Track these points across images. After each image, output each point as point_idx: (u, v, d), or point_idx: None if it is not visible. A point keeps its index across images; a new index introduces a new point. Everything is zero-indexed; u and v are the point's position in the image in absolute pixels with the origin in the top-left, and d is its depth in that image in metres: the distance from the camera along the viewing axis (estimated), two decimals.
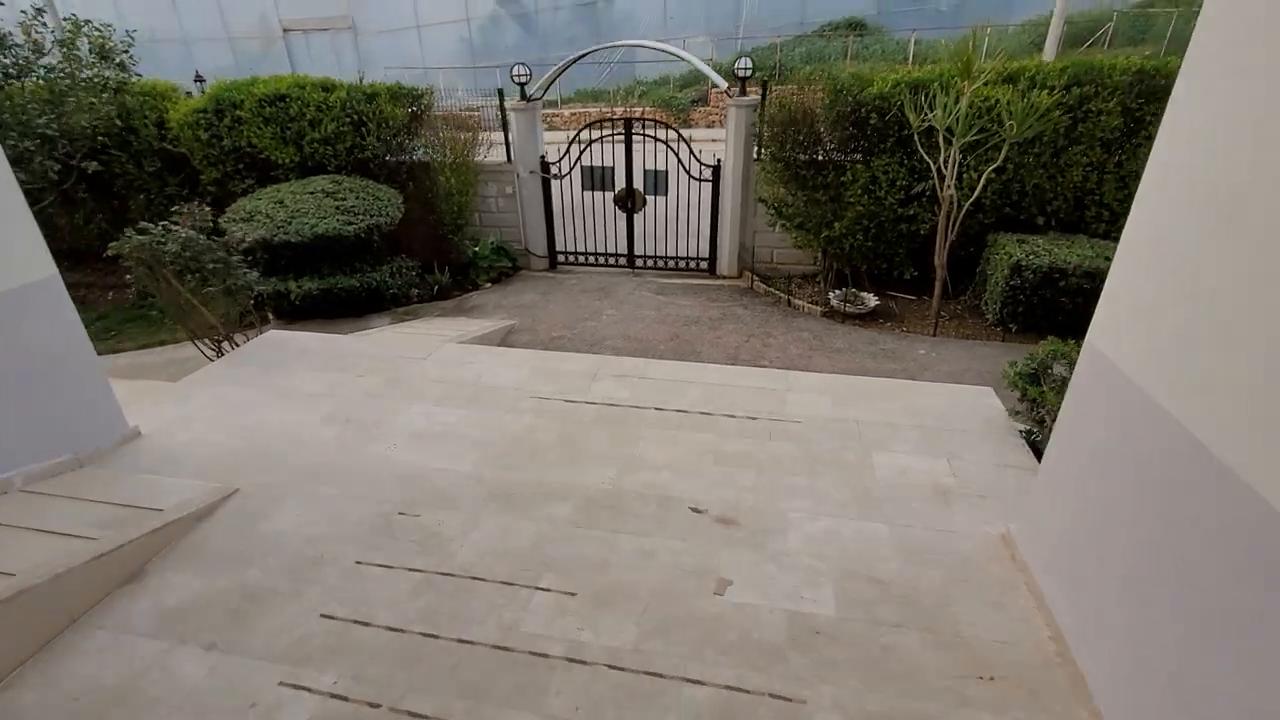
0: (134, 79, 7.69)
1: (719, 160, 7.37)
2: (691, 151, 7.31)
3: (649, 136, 7.32)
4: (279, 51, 28.71)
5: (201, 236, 4.92)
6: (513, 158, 7.73)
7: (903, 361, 5.57)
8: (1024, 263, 5.59)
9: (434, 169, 7.38)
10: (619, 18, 26.54)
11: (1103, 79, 5.70)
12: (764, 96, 6.88)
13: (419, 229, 7.86)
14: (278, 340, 5.01)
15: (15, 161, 6.85)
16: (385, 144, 7.34)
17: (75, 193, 8.32)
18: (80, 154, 7.49)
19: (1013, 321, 5.91)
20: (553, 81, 7.62)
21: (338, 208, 6.53)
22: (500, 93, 7.49)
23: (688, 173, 7.41)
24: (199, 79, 10.25)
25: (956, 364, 5.50)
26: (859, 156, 6.38)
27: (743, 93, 6.93)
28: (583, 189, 7.80)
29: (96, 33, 7.31)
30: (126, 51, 7.55)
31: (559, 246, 8.24)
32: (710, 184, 7.45)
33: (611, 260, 8.15)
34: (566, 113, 23.58)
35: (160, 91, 7.89)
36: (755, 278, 7.46)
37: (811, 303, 6.79)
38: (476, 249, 7.67)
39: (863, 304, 6.47)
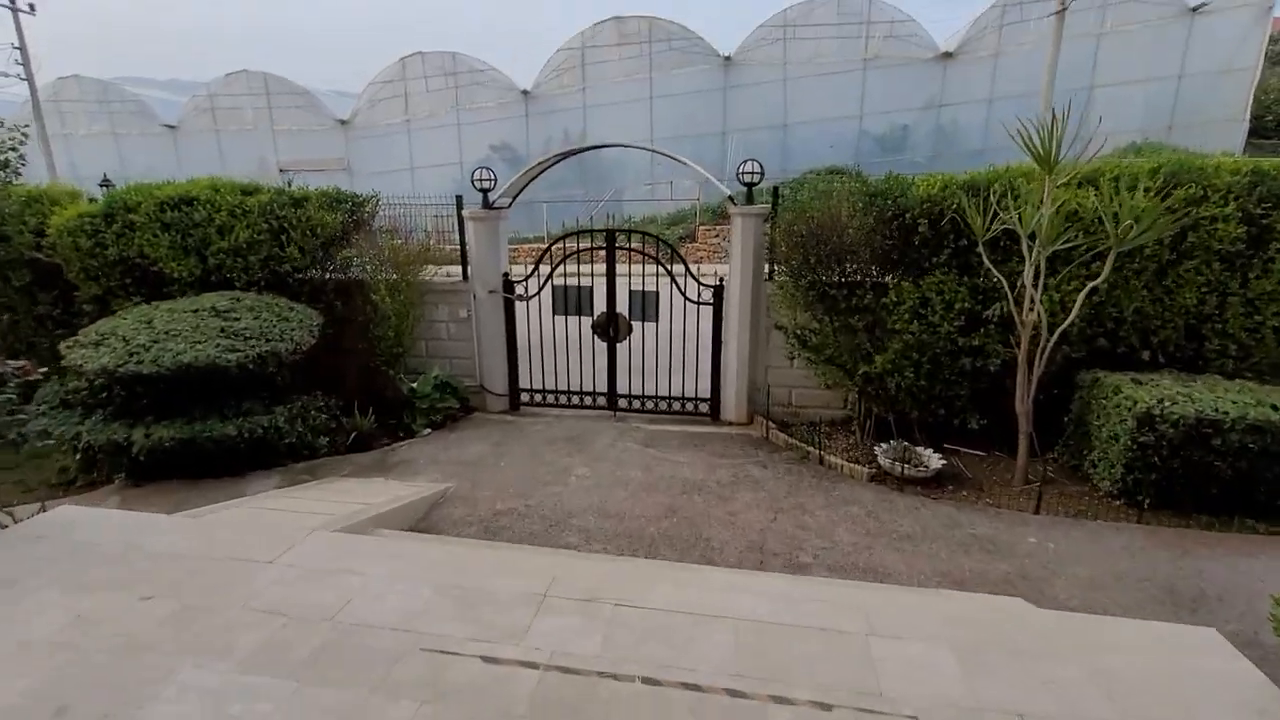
0: (13, 182, 6.41)
1: (722, 280, 6.01)
2: (688, 269, 5.96)
3: (635, 251, 6.01)
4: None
5: None
6: (469, 275, 6.34)
7: (1010, 558, 3.75)
8: (1158, 412, 3.99)
9: (368, 286, 5.92)
10: (609, 165, 27.37)
11: (1209, 179, 4.50)
12: (775, 204, 5.66)
13: (348, 359, 6.25)
14: (53, 524, 3.17)
15: None
16: (309, 256, 5.93)
17: None
18: None
19: (1142, 492, 4.20)
20: (523, 188, 6.45)
21: (223, 330, 4.92)
22: (458, 200, 6.26)
23: (683, 294, 6.02)
24: (105, 183, 9.12)
25: (1090, 563, 3.69)
26: (904, 273, 5.01)
27: (750, 200, 5.72)
28: (554, 313, 6.34)
29: None
30: (14, 149, 6.34)
31: (523, 383, 6.62)
32: (711, 308, 6.04)
33: (588, 401, 6.51)
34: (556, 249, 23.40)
35: (51, 196, 6.60)
36: (771, 425, 5.80)
37: (852, 460, 5.07)
38: (415, 385, 6.00)
39: (924, 465, 4.76)
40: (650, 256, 5.97)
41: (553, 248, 6.18)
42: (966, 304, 4.84)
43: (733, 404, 6.12)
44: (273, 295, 5.82)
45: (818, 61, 24.37)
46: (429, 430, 5.99)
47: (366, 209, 6.39)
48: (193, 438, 4.64)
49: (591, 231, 6.10)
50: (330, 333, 6.11)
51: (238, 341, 4.86)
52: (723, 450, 5.48)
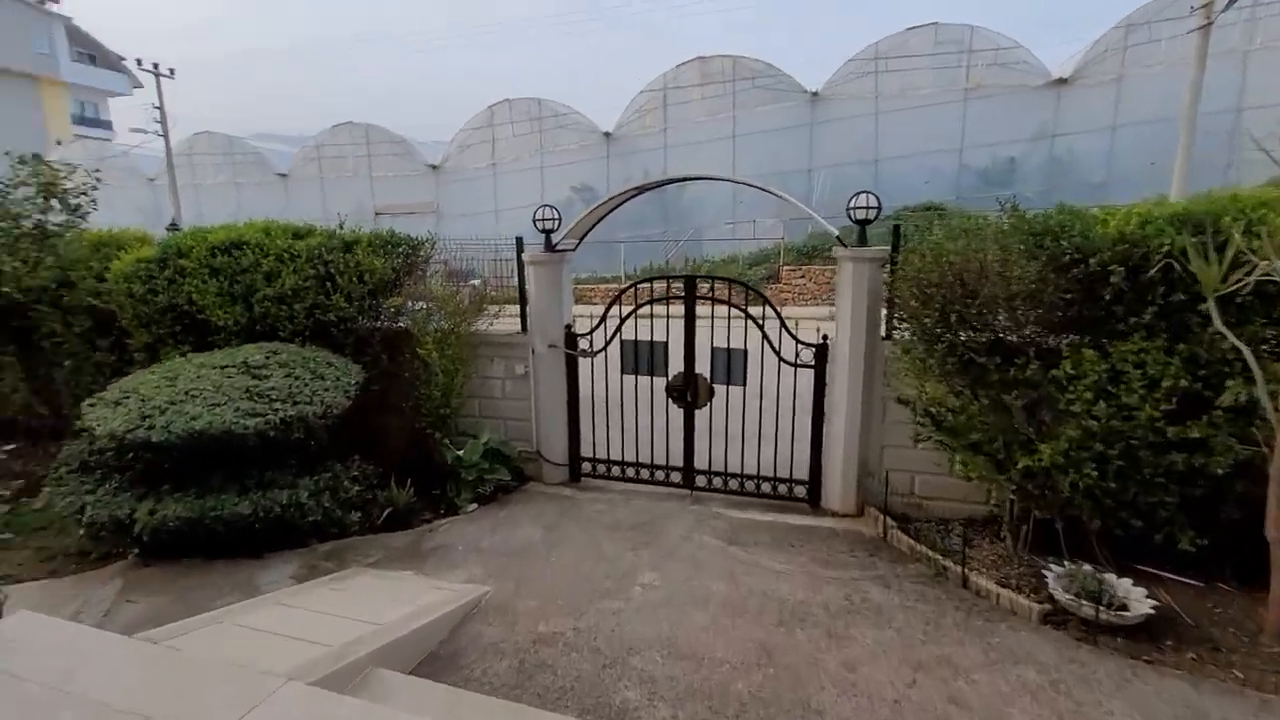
0: (81, 225, 6.32)
1: (825, 338, 4.92)
2: (783, 324, 4.92)
3: (720, 301, 5.04)
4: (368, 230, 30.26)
5: None
6: (528, 326, 5.57)
7: None
8: None
9: (416, 339, 5.26)
10: (689, 203, 26.86)
11: None
12: (896, 246, 4.55)
13: (392, 419, 5.60)
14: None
15: None
16: (356, 304, 5.36)
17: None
18: None
19: None
20: (591, 228, 5.66)
21: (249, 391, 4.33)
22: (518, 241, 5.54)
23: (777, 354, 4.97)
24: (172, 226, 9.16)
25: None
26: (1085, 337, 3.75)
27: (863, 241, 4.64)
28: (623, 373, 5.44)
29: (52, 172, 6.06)
30: (85, 194, 6.26)
31: (584, 451, 5.72)
32: (813, 371, 4.94)
33: (659, 476, 5.51)
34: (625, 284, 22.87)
35: (119, 241, 6.47)
36: (889, 521, 4.57)
37: (1010, 586, 3.77)
38: (461, 453, 5.22)
39: (1123, 606, 3.40)
40: (738, 308, 4.98)
41: (623, 296, 5.31)
42: (1180, 381, 3.50)
43: (838, 490, 4.94)
44: (315, 347, 5.26)
45: (912, 93, 22.98)
46: (475, 506, 5.17)
47: (421, 253, 5.81)
48: (201, 516, 4.01)
49: (668, 277, 5.21)
50: (375, 389, 5.48)
51: (260, 404, 4.25)
52: (828, 554, 4.30)
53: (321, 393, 4.56)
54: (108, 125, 44.15)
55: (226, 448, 4.15)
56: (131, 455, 4.48)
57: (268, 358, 4.79)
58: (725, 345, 5.09)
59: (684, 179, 5.97)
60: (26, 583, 4.23)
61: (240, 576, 4.12)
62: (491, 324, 5.75)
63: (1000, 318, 3.84)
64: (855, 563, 4.18)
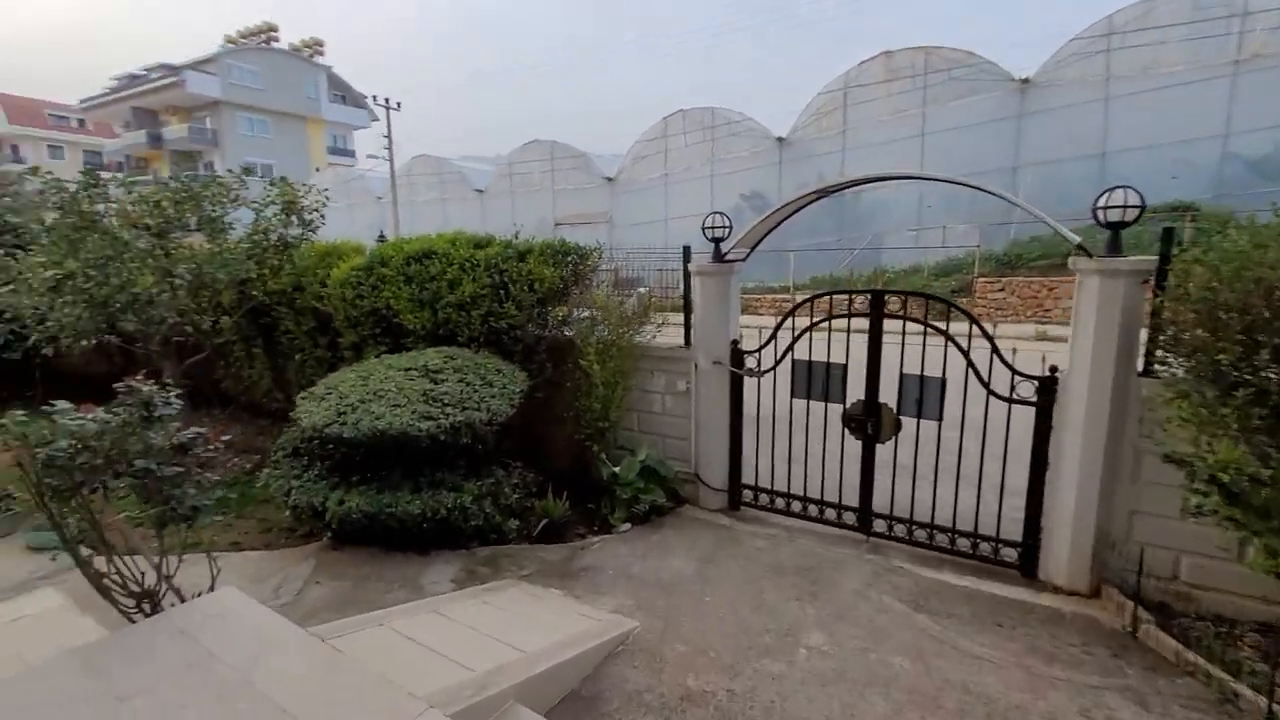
0: (312, 238, 7.24)
1: (1054, 370, 3.97)
2: (995, 350, 4.06)
3: (913, 320, 4.31)
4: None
5: (142, 426, 3.03)
6: (692, 340, 5.27)
7: None
8: None
9: (578, 349, 5.21)
10: (867, 208, 25.04)
11: None
12: (1167, 256, 3.50)
13: (553, 428, 5.63)
14: (202, 616, 2.79)
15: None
16: (526, 312, 5.46)
17: (250, 347, 7.98)
18: (243, 308, 7.05)
19: None
20: (765, 236, 5.21)
21: (426, 394, 4.54)
22: (685, 251, 5.27)
23: (984, 385, 4.12)
24: (380, 238, 10.20)
25: None
26: None
27: (1115, 250, 3.65)
28: (793, 396, 4.91)
29: (293, 192, 7.04)
30: (316, 210, 7.18)
31: (746, 479, 5.27)
32: (1036, 409, 4.01)
33: (830, 515, 4.88)
34: (799, 297, 21.80)
35: (340, 251, 7.33)
36: (1139, 611, 3.52)
37: None
38: (617, 469, 5.06)
39: None
40: (936, 330, 4.21)
41: (796, 310, 4.79)
42: None
43: (1064, 560, 3.96)
44: (487, 353, 5.45)
45: (1156, 72, 19.21)
46: (628, 525, 4.97)
47: (589, 262, 5.79)
48: (379, 511, 4.25)
49: (850, 292, 4.58)
50: (539, 397, 5.55)
51: (434, 408, 4.42)
52: (1051, 644, 3.41)
53: (489, 399, 4.65)
54: (351, 154, 52.44)
55: (404, 447, 4.37)
56: (330, 446, 4.93)
57: (445, 362, 5.02)
58: (917, 371, 4.34)
59: (871, 179, 5.16)
60: (245, 551, 4.82)
61: (409, 572, 4.30)
62: (654, 336, 5.54)
63: None
64: (1092, 663, 3.25)
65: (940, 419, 4.33)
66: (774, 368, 4.94)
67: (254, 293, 6.70)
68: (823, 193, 4.76)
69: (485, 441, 4.90)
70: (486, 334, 5.64)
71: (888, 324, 4.46)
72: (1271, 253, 2.96)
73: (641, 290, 6.09)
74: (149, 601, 3.17)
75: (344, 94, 52.94)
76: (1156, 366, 3.57)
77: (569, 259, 5.72)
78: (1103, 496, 3.78)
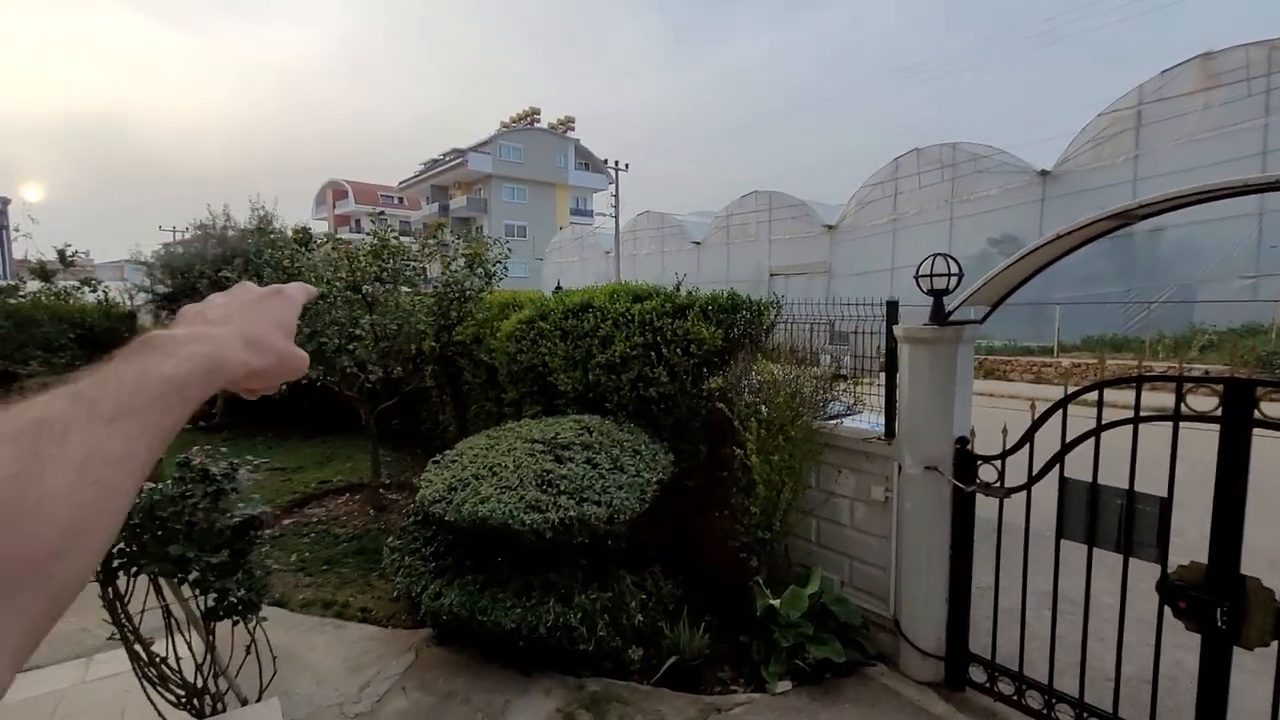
0: (494, 288, 7.20)
1: None
2: None
3: None
4: (761, 292, 31.58)
5: (205, 501, 2.68)
6: (896, 430, 3.75)
7: None
8: None
9: (737, 430, 4.03)
10: (1169, 251, 19.60)
11: None
12: None
13: (711, 526, 4.49)
14: None
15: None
16: (680, 379, 4.48)
17: (443, 394, 8.25)
18: (431, 357, 7.23)
19: None
20: (1014, 289, 3.54)
21: (541, 477, 3.77)
22: (890, 307, 3.80)
23: None
24: (558, 288, 9.98)
25: None
26: None
27: None
28: (1060, 536, 3.11)
29: (481, 245, 7.11)
30: (499, 262, 7.16)
31: (977, 647, 3.51)
32: None
33: None
34: (1066, 362, 17.44)
35: (519, 302, 7.20)
36: None
37: None
38: (776, 602, 3.70)
39: None
40: None
41: (1071, 401, 3.05)
42: None
43: None
44: (633, 426, 4.57)
45: None
46: (788, 684, 3.56)
47: (765, 319, 4.63)
48: (471, 615, 3.53)
49: (1179, 379, 2.73)
50: (690, 485, 4.48)
51: (547, 495, 3.62)
52: None
53: (614, 490, 3.72)
54: (590, 213, 57.92)
55: (508, 539, 3.62)
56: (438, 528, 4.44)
57: (577, 436, 4.24)
58: None
59: (1184, 200, 2.77)
60: (365, 624, 4.47)
61: (499, 699, 3.48)
62: (840, 420, 4.13)
63: None
64: None
65: None
66: (1029, 485, 3.20)
67: (429, 345, 6.81)
68: (1123, 218, 3.01)
69: (615, 540, 3.96)
70: (636, 402, 4.77)
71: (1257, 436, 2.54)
72: None
73: (827, 358, 4.71)
74: (200, 699, 2.73)
75: (587, 162, 59.13)
76: None
77: (739, 315, 4.64)
78: None
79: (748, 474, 3.97)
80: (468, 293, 6.84)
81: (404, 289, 6.57)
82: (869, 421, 4.11)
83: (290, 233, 6.60)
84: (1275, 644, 2.53)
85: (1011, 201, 22.07)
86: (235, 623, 2.79)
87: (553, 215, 56.63)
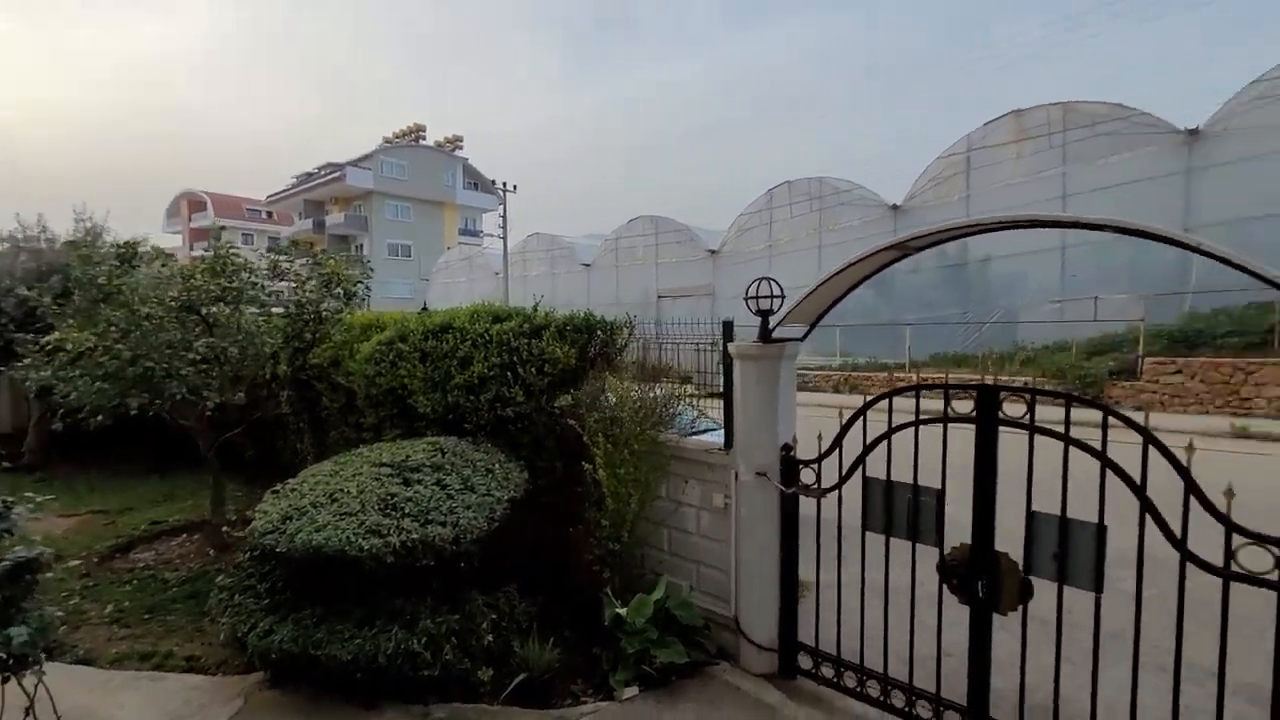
0: (355, 309, 6.93)
1: None
2: (1191, 486, 2.51)
3: (1047, 433, 2.86)
4: (649, 314, 32.21)
5: None
6: (734, 441, 4.05)
7: None
8: None
9: (587, 446, 4.17)
10: (997, 279, 22.45)
11: None
12: None
13: (568, 541, 4.56)
14: None
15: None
16: (535, 398, 4.56)
17: (299, 421, 7.75)
18: (280, 381, 6.80)
19: None
20: (829, 307, 3.97)
21: (385, 501, 3.69)
22: (725, 327, 4.14)
23: (1178, 547, 2.56)
24: (425, 308, 9.87)
25: None
26: None
27: None
28: (865, 528, 3.51)
29: (336, 264, 6.83)
30: (360, 281, 6.91)
31: (804, 636, 3.84)
32: (1277, 597, 2.38)
33: (925, 709, 3.32)
34: (914, 377, 19.39)
35: (382, 323, 6.97)
36: None
37: None
38: (624, 610, 3.84)
39: None
40: (1089, 451, 2.74)
41: (870, 408, 3.47)
42: None
43: None
44: (490, 446, 4.58)
45: None
46: (634, 690, 3.69)
47: (618, 339, 4.83)
48: (304, 651, 3.36)
49: (946, 386, 3.21)
50: (546, 501, 4.55)
51: (389, 519, 3.54)
52: None
53: (461, 510, 3.71)
54: (478, 234, 56.70)
55: (349, 567, 3.50)
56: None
57: (429, 457, 4.19)
58: (1059, 513, 2.84)
59: (968, 228, 3.36)
60: (190, 674, 4.10)
61: None
62: (703, 433, 4.40)
63: None
64: None
65: (1099, 589, 2.77)
66: (839, 486, 3.59)
67: (282, 369, 6.42)
68: (902, 248, 3.50)
69: (468, 560, 3.93)
70: (494, 422, 4.79)
71: (1008, 429, 3.04)
72: None
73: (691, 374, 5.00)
74: None
75: (476, 181, 58.14)
76: None
77: (594, 335, 4.81)
78: None
79: (598, 488, 4.10)
80: (324, 314, 6.52)
81: (250, 309, 6.15)
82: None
83: (114, 247, 5.97)
84: (1022, 608, 3.00)
85: (869, 233, 24.28)
86: (5, 679, 2.48)
87: (440, 235, 54.96)
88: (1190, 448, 2.53)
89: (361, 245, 52.23)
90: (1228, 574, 2.45)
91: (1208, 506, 2.48)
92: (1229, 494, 2.45)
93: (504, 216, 35.38)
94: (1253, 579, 2.41)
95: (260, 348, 5.83)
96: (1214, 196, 17.62)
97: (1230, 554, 2.45)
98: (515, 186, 36.76)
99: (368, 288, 7.13)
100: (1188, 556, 2.54)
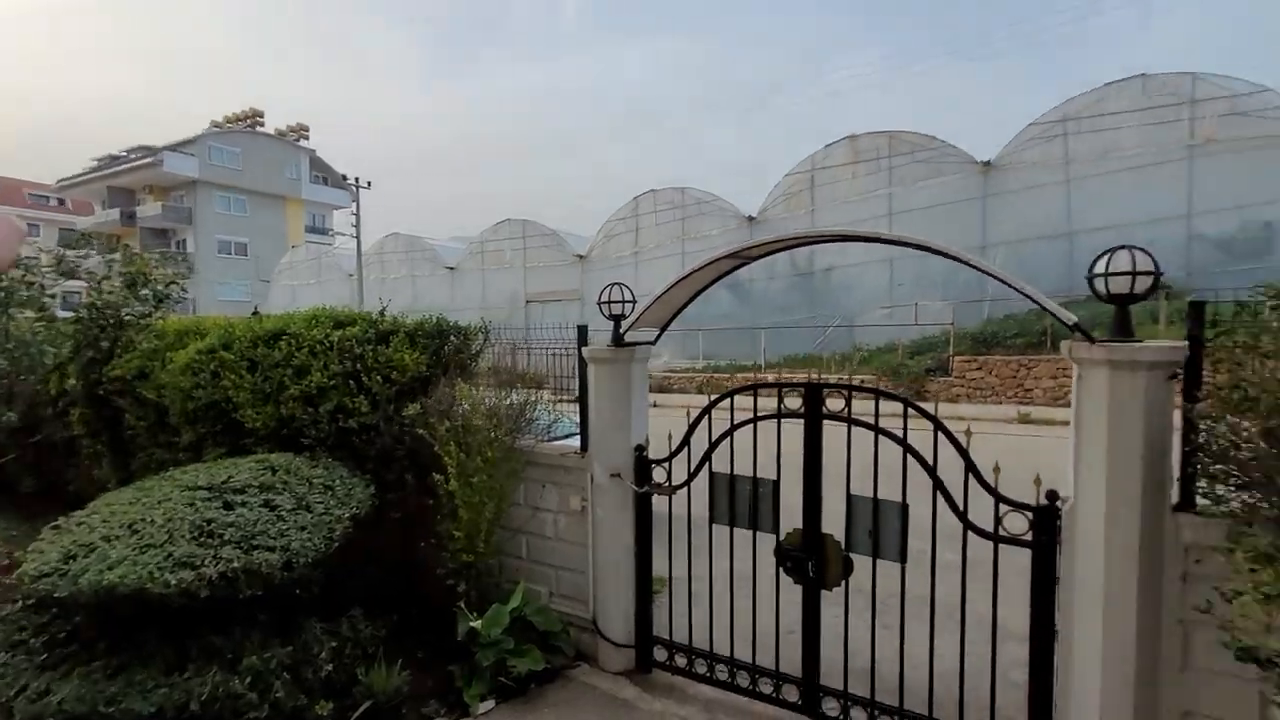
0: (166, 315, 6.12)
1: (1053, 498, 2.84)
2: (970, 466, 2.95)
3: (861, 425, 3.22)
4: (518, 319, 31.61)
5: None
6: (589, 443, 4.10)
7: None
8: None
9: (438, 456, 4.01)
10: (838, 286, 24.73)
11: None
12: (1200, 339, 2.48)
13: (419, 559, 4.34)
14: None
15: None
16: (382, 408, 4.30)
17: (97, 443, 6.67)
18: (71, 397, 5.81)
19: None
20: (678, 312, 4.16)
21: (199, 528, 3.29)
22: (581, 331, 4.19)
23: (959, 515, 2.99)
24: (255, 313, 9.10)
25: None
26: None
27: (1124, 330, 2.62)
28: (712, 521, 3.72)
29: (143, 262, 5.98)
30: (173, 283, 6.10)
31: (659, 629, 3.98)
32: (1032, 552, 2.86)
33: (765, 686, 3.58)
34: (770, 377, 20.84)
35: (202, 330, 6.20)
36: None
37: None
38: (478, 623, 3.74)
39: None
40: (893, 439, 3.12)
41: (714, 407, 3.68)
42: None
43: None
44: (331, 461, 4.25)
45: (1115, 156, 19.45)
46: (490, 704, 3.61)
47: (473, 345, 4.70)
48: (93, 709, 2.89)
49: (779, 385, 3.49)
50: (396, 517, 4.31)
51: (205, 549, 3.16)
52: None
53: (294, 532, 3.40)
54: (328, 232, 52.37)
55: (154, 607, 3.07)
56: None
57: (257, 477, 3.79)
58: (872, 495, 3.20)
59: (805, 240, 3.78)
60: None
61: None
62: (540, 439, 4.38)
63: None
64: None
65: (903, 560, 3.15)
66: (688, 482, 3.77)
67: (72, 384, 5.51)
68: (743, 259, 3.77)
69: (305, 586, 3.61)
70: (336, 435, 4.44)
71: (832, 425, 3.36)
72: None
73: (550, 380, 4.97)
74: None
75: (325, 175, 53.66)
76: (1201, 500, 2.47)
77: (447, 340, 4.64)
78: (1141, 689, 2.57)
79: (451, 499, 3.96)
80: (127, 319, 5.67)
81: (25, 314, 5.20)
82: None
83: None
84: (845, 583, 3.34)
85: (728, 241, 25.65)
86: None
87: (283, 232, 49.97)
88: (968, 432, 2.97)
89: (184, 241, 46.14)
90: (996, 537, 2.91)
91: (981, 481, 2.92)
92: (996, 470, 2.91)
93: (357, 214, 32.97)
94: (1014, 540, 2.88)
95: (38, 359, 4.93)
96: (1003, 220, 20.78)
97: (998, 520, 2.90)
98: (370, 183, 34.44)
99: (183, 289, 6.31)
100: (968, 525, 2.97)
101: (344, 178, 39.23)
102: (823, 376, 3.71)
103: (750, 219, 25.49)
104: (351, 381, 4.36)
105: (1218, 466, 2.29)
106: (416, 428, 4.09)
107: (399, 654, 3.81)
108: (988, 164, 20.86)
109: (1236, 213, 17.94)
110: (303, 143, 54.75)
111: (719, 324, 23.50)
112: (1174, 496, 2.56)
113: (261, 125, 53.79)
